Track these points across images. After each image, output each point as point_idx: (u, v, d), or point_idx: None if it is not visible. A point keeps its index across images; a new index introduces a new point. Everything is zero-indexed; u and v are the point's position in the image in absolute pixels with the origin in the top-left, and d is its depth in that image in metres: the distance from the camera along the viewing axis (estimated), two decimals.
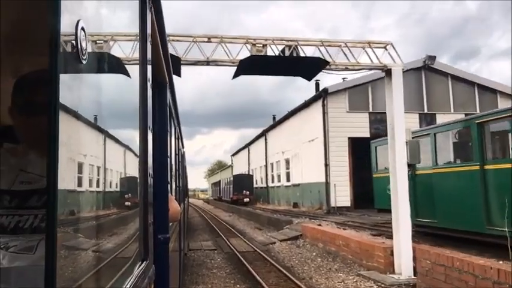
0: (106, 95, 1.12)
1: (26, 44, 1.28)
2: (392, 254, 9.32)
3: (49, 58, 0.67)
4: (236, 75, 9.51)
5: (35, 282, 1.15)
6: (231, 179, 40.39)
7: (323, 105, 23.69)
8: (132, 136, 1.58)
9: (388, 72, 9.53)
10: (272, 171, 36.10)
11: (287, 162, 31.53)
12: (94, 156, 1.08)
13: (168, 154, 3.35)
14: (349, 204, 23.08)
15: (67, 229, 0.82)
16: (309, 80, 10.13)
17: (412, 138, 9.73)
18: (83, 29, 0.78)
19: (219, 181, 52.88)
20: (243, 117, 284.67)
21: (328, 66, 9.11)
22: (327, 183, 23.13)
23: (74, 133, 0.85)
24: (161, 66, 2.67)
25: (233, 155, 61.18)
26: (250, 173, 42.74)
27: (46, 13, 0.69)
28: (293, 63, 9.33)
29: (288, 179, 31.19)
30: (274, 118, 39.86)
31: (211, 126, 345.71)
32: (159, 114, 2.90)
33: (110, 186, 1.29)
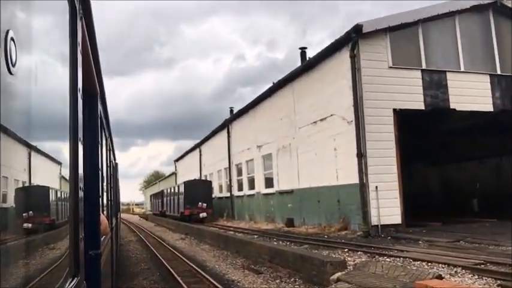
0: (35, 106, 1.06)
1: None
2: None
3: None
4: None
5: None
6: (181, 188, 29.89)
7: (352, 56, 13.57)
8: (61, 148, 1.50)
9: None
10: (240, 175, 26.32)
11: (266, 159, 21.99)
12: (18, 169, 1.04)
13: (100, 167, 3.24)
14: (399, 221, 13.42)
15: None
16: None
17: None
18: (12, 39, 0.76)
19: (161, 192, 41.82)
20: (180, 128, 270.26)
21: None
22: (363, 187, 13.35)
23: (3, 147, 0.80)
24: (92, 76, 2.59)
25: (177, 160, 50.84)
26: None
27: None
28: None
29: (269, 185, 21.61)
30: (231, 111, 30.32)
31: (147, 138, 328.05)
32: (90, 126, 2.81)
33: (35, 200, 1.25)
